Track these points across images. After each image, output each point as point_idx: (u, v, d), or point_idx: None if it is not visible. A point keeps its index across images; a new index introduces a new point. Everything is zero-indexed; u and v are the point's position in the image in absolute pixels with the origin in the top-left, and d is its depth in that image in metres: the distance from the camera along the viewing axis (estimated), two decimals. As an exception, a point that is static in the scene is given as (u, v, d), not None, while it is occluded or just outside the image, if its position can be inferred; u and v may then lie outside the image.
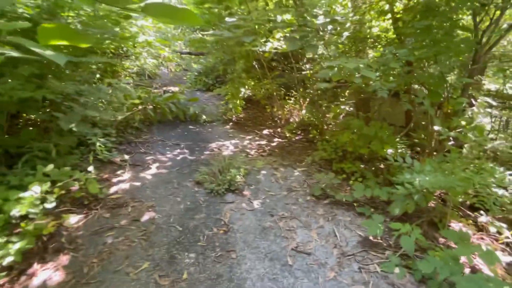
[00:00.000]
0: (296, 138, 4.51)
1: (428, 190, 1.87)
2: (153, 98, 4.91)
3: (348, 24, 2.81)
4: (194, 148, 4.09)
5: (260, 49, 4.14)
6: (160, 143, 4.24)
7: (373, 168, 3.26)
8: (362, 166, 3.25)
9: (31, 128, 2.94)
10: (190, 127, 5.10)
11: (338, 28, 2.70)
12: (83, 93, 2.95)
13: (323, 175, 2.91)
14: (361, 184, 2.59)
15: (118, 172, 3.19)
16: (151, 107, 4.94)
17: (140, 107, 4.85)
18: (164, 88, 8.68)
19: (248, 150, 4.01)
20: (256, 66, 4.95)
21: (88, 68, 4.98)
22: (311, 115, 4.70)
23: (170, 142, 4.29)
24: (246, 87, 4.78)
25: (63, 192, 2.45)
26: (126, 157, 3.63)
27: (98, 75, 5.70)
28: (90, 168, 2.91)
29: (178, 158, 3.74)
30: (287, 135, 4.48)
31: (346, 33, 2.66)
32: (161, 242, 2.17)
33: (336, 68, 2.09)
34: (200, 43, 4.39)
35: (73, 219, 2.33)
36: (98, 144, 2.99)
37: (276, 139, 4.51)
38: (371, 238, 2.20)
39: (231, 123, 5.32)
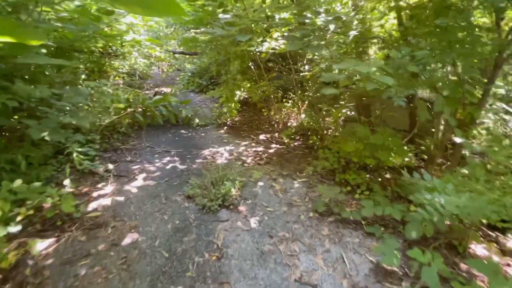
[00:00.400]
0: (295, 144, 4.25)
1: (456, 217, 1.61)
2: (142, 101, 4.58)
3: (355, 23, 2.55)
4: (185, 155, 3.79)
5: (257, 49, 3.86)
6: (149, 150, 3.92)
7: (379, 179, 3.01)
8: (367, 176, 3.00)
9: (-2, 137, 2.60)
10: (182, 131, 4.79)
11: (343, 27, 2.43)
12: (59, 97, 2.63)
13: (327, 189, 2.64)
14: (369, 200, 2.33)
15: (100, 185, 2.87)
16: (140, 110, 4.61)
17: (128, 110, 4.52)
18: (156, 89, 8.34)
19: (244, 158, 3.72)
20: (252, 67, 4.67)
21: (71, 68, 4.64)
22: (310, 119, 4.44)
23: (160, 148, 3.98)
24: (242, 89, 4.48)
25: (31, 212, 2.14)
26: (110, 166, 3.32)
27: (83, 76, 5.36)
28: (66, 182, 2.59)
29: (168, 167, 3.43)
30: (285, 140, 4.21)
31: (353, 32, 2.40)
32: (144, 273, 1.87)
33: (344, 72, 1.82)
34: (193, 42, 4.08)
35: (41, 245, 2.02)
36: (75, 154, 2.66)
37: (273, 145, 4.24)
38: (384, 265, 1.93)
39: (225, 127, 5.03)
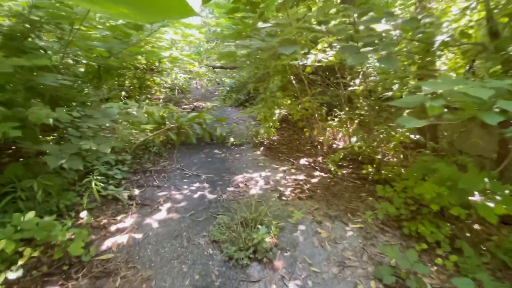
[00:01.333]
0: (344, 172, 3.56)
1: None
2: (176, 119, 4.37)
3: (445, 25, 1.89)
4: (216, 181, 3.38)
5: (301, 63, 3.36)
6: (179, 173, 3.61)
7: (468, 234, 2.20)
8: (449, 227, 2.21)
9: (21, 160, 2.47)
10: (216, 151, 4.44)
11: (423, 32, 1.80)
12: (81, 119, 2.44)
13: (396, 252, 1.93)
14: (467, 279, 1.58)
15: (120, 216, 2.58)
16: (174, 128, 4.41)
17: (162, 128, 4.34)
18: (195, 103, 8.33)
19: (281, 188, 3.17)
20: (293, 81, 4.18)
21: (112, 86, 4.67)
22: (362, 142, 3.72)
23: (190, 171, 3.65)
24: (282, 107, 3.98)
25: (36, 254, 1.87)
26: (136, 191, 3.05)
27: (123, 93, 5.42)
28: (83, 214, 2.33)
29: (196, 195, 3.04)
30: (331, 168, 3.55)
31: (441, 38, 1.75)
32: None
33: (441, 96, 1.20)
34: (230, 57, 3.76)
35: (39, 299, 1.71)
36: (94, 183, 2.40)
37: (317, 173, 3.61)
38: None
39: (262, 148, 4.55)
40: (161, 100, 7.45)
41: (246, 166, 3.84)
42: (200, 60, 8.35)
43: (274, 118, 3.73)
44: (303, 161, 4.00)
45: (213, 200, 2.96)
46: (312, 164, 3.85)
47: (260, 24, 2.24)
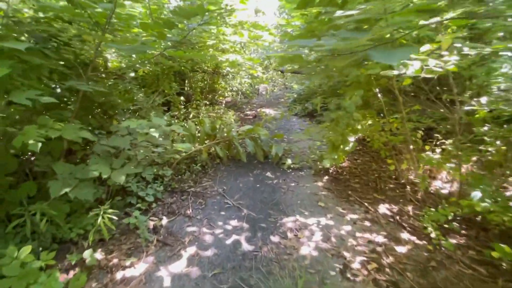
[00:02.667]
0: (454, 242, 2.28)
1: None
2: (227, 132, 3.82)
3: None
4: (259, 222, 2.63)
5: (396, 72, 2.28)
6: (218, 200, 3.01)
7: None
8: None
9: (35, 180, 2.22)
10: (268, 174, 3.69)
11: None
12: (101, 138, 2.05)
13: None
14: None
15: (133, 258, 2.09)
16: (223, 141, 3.87)
17: (212, 141, 3.86)
18: (258, 110, 7.80)
19: (347, 254, 2.18)
20: (378, 95, 3.06)
21: (169, 90, 4.46)
22: (488, 198, 2.35)
23: (232, 200, 3.00)
24: (359, 127, 2.93)
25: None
26: (164, 221, 2.57)
27: (182, 98, 5.22)
28: (86, 254, 1.90)
29: (228, 241, 2.35)
30: (431, 232, 2.33)
31: None
32: None
33: None
34: (294, 61, 2.95)
35: None
36: (100, 219, 1.96)
37: (406, 235, 2.44)
38: None
39: (326, 178, 3.57)
40: (223, 105, 7.19)
41: (301, 204, 2.96)
42: (269, 64, 7.75)
43: (346, 148, 2.73)
44: (383, 208, 2.86)
45: (248, 253, 2.21)
46: (398, 218, 2.68)
47: (339, 12, 1.37)
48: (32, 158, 2.35)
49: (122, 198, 2.69)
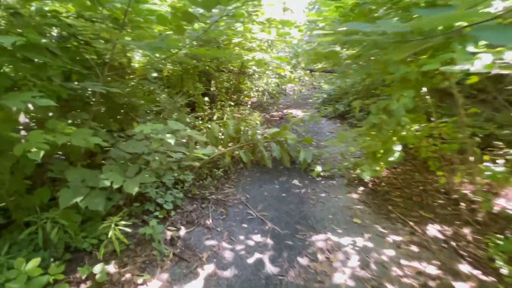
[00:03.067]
0: (529, 281, 1.81)
1: None
2: (252, 135, 3.58)
3: None
4: (285, 238, 2.34)
5: (458, 67, 1.86)
6: (240, 210, 2.77)
7: None
8: None
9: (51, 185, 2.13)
10: (295, 182, 3.38)
11: None
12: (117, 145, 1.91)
13: None
14: None
15: (145, 275, 1.92)
16: (247, 145, 3.64)
17: (235, 144, 3.65)
18: (285, 111, 7.48)
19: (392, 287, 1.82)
20: (427, 97, 2.61)
21: (193, 91, 4.32)
22: None
23: (255, 211, 2.74)
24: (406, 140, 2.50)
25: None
26: (182, 232, 2.39)
27: (206, 98, 5.07)
28: (97, 269, 1.75)
29: (250, 260, 2.10)
30: (502, 267, 1.87)
31: None
32: None
33: None
34: (330, 58, 2.62)
35: None
36: (111, 233, 1.80)
37: (465, 267, 2.00)
38: None
39: (361, 189, 3.17)
40: (249, 106, 6.98)
41: (333, 219, 2.62)
42: (297, 63, 7.39)
43: (390, 159, 2.32)
44: (433, 229, 2.42)
45: (273, 277, 1.93)
46: (453, 243, 2.23)
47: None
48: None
49: (141, 204, 2.56)
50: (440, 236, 2.33)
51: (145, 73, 3.20)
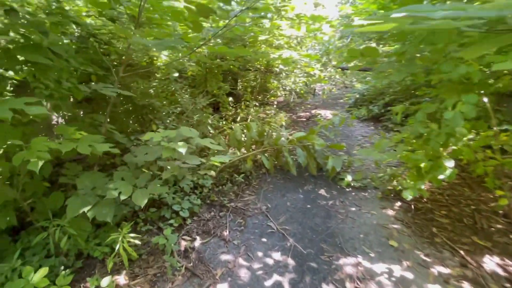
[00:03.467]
0: None
1: None
2: (275, 140, 3.34)
3: None
4: (308, 259, 2.09)
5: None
6: (260, 222, 2.56)
7: None
8: None
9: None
10: (321, 192, 3.09)
11: None
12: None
13: None
14: None
15: (155, 290, 1.79)
16: (271, 150, 3.41)
17: (258, 148, 3.44)
18: (313, 111, 7.11)
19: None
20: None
21: (218, 90, 4.19)
22: None
23: (276, 224, 2.52)
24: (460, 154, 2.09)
25: None
26: (197, 242, 2.25)
27: (230, 99, 4.92)
28: (105, 282, 1.66)
29: (268, 283, 1.88)
30: None
31: None
32: None
33: None
34: (367, 55, 2.28)
35: None
36: (118, 246, 1.68)
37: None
38: None
39: (398, 204, 2.79)
40: (275, 106, 6.73)
41: (364, 239, 2.30)
42: (327, 60, 6.97)
43: (440, 177, 1.93)
44: (490, 262, 2.00)
45: (292, 306, 1.70)
46: (519, 284, 1.81)
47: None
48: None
49: (157, 209, 2.47)
50: (500, 271, 1.91)
51: (168, 73, 3.12)
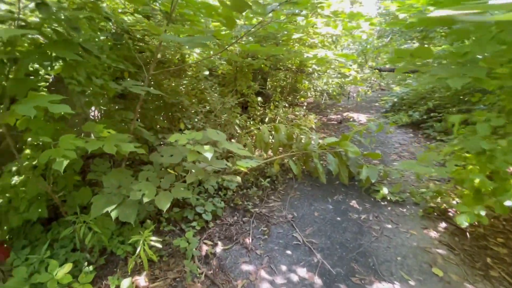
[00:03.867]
0: None
1: None
2: (305, 145, 3.16)
3: None
4: (337, 279, 1.90)
5: None
6: (286, 231, 2.41)
7: None
8: None
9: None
10: (353, 204, 2.85)
11: None
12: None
13: None
14: None
15: (173, 297, 1.73)
16: (299, 155, 3.23)
17: (286, 152, 3.29)
18: (345, 114, 6.75)
19: None
20: None
21: (247, 90, 4.09)
22: None
23: (302, 236, 2.35)
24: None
25: None
26: (218, 248, 2.17)
27: (259, 99, 4.80)
28: (125, 283, 1.63)
29: (292, 302, 1.73)
30: None
31: None
32: None
33: None
34: (418, 55, 2.01)
35: None
36: (139, 248, 1.63)
37: None
38: None
39: (444, 225, 2.47)
40: (304, 107, 6.49)
41: (403, 263, 2.04)
42: (364, 61, 6.56)
43: (507, 203, 1.61)
44: None
45: (317, 333, 1.53)
46: None
47: None
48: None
49: (181, 209, 2.43)
50: None
51: (199, 71, 3.08)
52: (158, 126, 2.39)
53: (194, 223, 2.32)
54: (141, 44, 2.24)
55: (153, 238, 1.69)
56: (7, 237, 1.83)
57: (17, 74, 1.25)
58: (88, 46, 1.27)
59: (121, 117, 2.01)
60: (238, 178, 2.08)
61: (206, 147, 1.45)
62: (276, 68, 5.48)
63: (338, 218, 2.62)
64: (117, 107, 2.20)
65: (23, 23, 1.17)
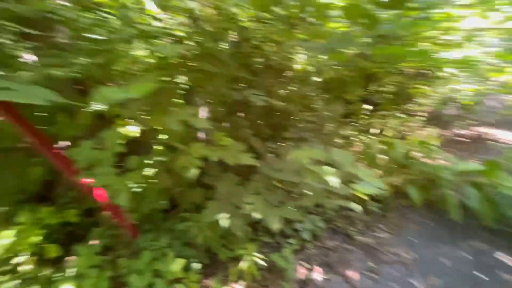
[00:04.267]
0: None
1: None
2: (434, 169, 2.53)
3: None
4: None
5: None
6: (401, 276, 1.97)
7: None
8: None
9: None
10: (502, 259, 2.08)
11: None
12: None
13: None
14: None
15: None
16: (420, 180, 2.62)
17: (400, 172, 2.74)
18: (482, 130, 5.26)
19: None
20: None
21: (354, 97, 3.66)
22: None
23: (424, 287, 1.85)
24: None
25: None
26: (316, 275, 1.95)
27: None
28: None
29: None
30: None
31: None
32: None
33: None
34: None
35: None
36: (246, 264, 1.56)
37: None
38: None
39: None
40: (421, 118, 5.41)
41: None
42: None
43: None
44: None
45: None
46: None
47: None
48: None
49: (284, 236, 2.33)
50: None
51: (306, 76, 2.93)
52: (264, 134, 2.36)
53: (291, 240, 2.17)
54: (256, 50, 2.24)
55: (258, 255, 1.63)
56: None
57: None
58: (222, 57, 1.31)
59: (234, 123, 2.07)
60: (359, 207, 1.80)
61: (329, 169, 1.26)
62: (386, 71, 4.76)
63: (478, 274, 1.95)
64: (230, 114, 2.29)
65: (174, 38, 1.30)
